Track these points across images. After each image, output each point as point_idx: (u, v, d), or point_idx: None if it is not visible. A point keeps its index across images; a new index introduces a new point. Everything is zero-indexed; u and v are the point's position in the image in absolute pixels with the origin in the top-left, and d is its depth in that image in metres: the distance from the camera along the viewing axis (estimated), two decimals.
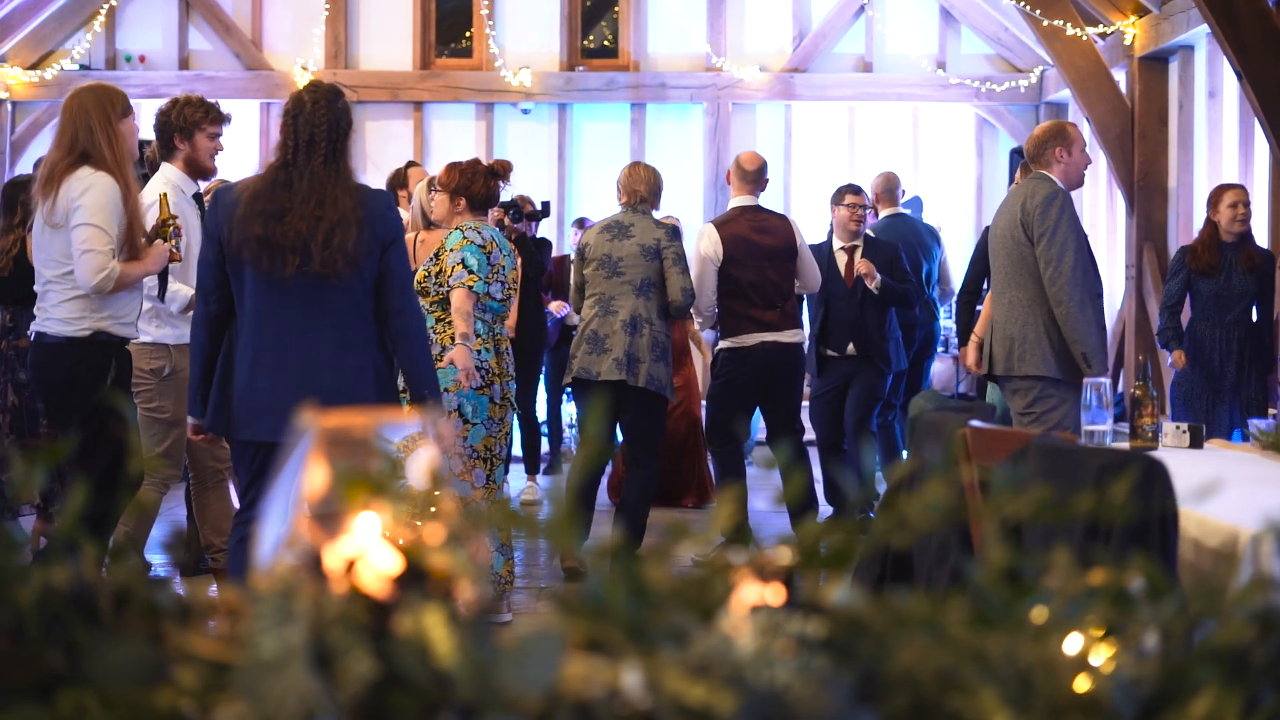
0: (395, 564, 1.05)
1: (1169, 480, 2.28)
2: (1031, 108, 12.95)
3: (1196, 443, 4.18)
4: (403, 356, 4.39)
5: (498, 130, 13.20)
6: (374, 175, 13.00)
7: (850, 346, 7.94)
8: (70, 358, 5.12)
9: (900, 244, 8.48)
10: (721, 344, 7.35)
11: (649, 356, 6.73)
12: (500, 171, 5.91)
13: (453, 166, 5.90)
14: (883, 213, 9.33)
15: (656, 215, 7.12)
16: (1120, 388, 10.31)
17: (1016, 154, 10.11)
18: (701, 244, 7.28)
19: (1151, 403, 4.05)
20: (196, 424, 4.57)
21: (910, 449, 3.79)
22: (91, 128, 5.03)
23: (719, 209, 12.82)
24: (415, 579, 1.06)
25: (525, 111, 13.17)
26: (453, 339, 5.68)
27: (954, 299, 8.47)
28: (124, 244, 5.05)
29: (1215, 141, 9.83)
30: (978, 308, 7.48)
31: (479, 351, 5.66)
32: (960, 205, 12.94)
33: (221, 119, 5.82)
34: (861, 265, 7.87)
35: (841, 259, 8.05)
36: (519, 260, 7.53)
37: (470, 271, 5.68)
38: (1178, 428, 4.11)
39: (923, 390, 8.84)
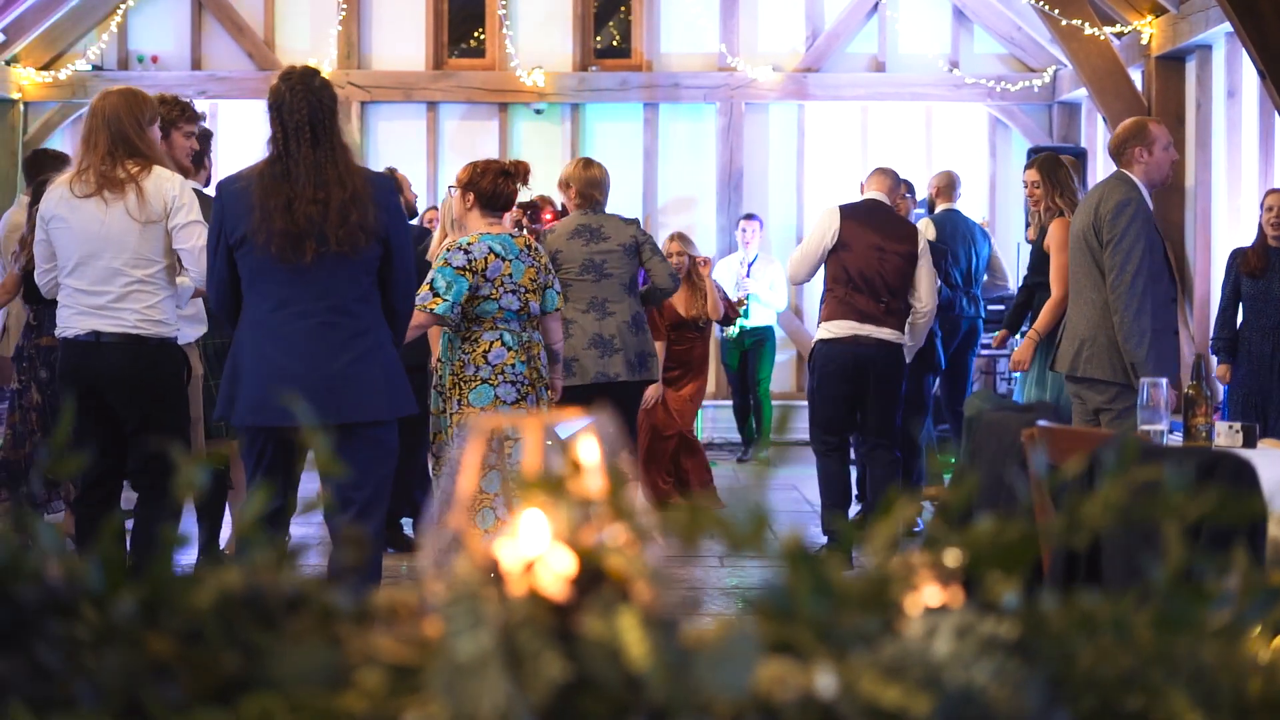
0: (572, 565, 1.04)
1: (1256, 480, 2.27)
2: (1044, 107, 12.95)
3: (1250, 442, 4.17)
4: (396, 337, 4.58)
5: (511, 131, 13.19)
6: None
7: None
8: (172, 359, 5.15)
9: (954, 240, 8.75)
10: (817, 334, 7.30)
11: (650, 349, 6.95)
12: (514, 172, 5.78)
13: (469, 164, 5.88)
14: (940, 207, 9.48)
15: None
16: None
17: (1033, 153, 10.10)
18: (821, 219, 7.33)
19: (1205, 402, 4.04)
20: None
21: (967, 448, 3.80)
22: (125, 132, 4.99)
23: (732, 208, 12.82)
24: (593, 580, 1.05)
25: (538, 112, 13.16)
26: (486, 357, 5.58)
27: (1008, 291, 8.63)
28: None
29: (1234, 141, 9.82)
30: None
31: (512, 364, 5.61)
32: (973, 205, 12.92)
33: (197, 117, 5.85)
34: None
35: None
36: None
37: (436, 294, 5.50)
38: (1230, 427, 4.10)
39: (975, 389, 8.92)
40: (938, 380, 8.86)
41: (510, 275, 5.63)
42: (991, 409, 3.46)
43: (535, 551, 1.05)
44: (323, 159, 4.33)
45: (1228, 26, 9.22)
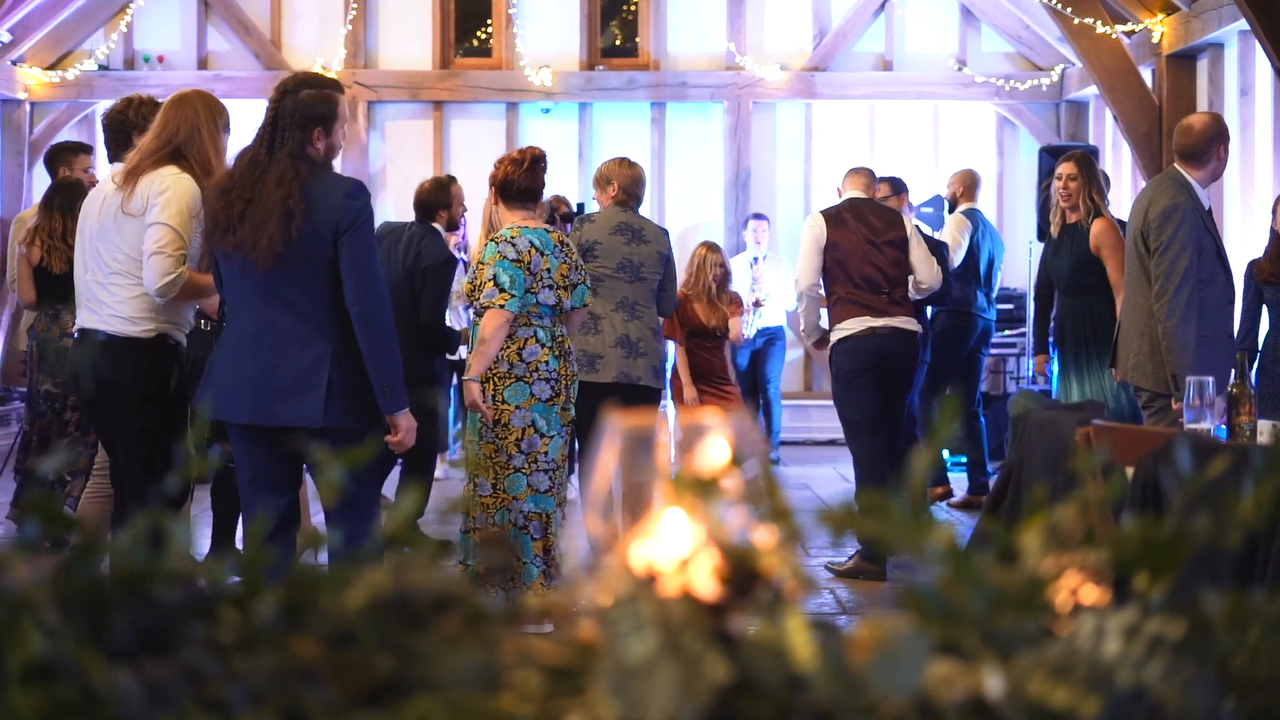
0: (724, 566, 1.03)
1: None
2: (1052, 106, 12.94)
3: None
4: (363, 346, 4.40)
5: (518, 130, 13.17)
6: (394, 176, 13.00)
7: None
8: (134, 361, 4.96)
9: (983, 237, 8.89)
10: (832, 336, 7.31)
11: (665, 359, 7.01)
12: (520, 159, 5.71)
13: (498, 159, 5.87)
14: (963, 206, 9.53)
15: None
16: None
17: (1046, 153, 10.10)
18: (806, 229, 7.35)
19: (1249, 401, 4.03)
20: None
21: (1016, 447, 3.79)
22: (198, 128, 4.93)
23: (739, 207, 12.81)
24: (745, 581, 1.04)
25: (545, 111, 13.14)
26: (520, 354, 5.55)
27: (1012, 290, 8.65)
28: (201, 254, 4.93)
29: (1247, 140, 9.81)
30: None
31: (546, 361, 5.59)
32: (981, 204, 12.90)
33: None
34: None
35: None
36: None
37: (501, 289, 5.48)
38: (1275, 426, 4.08)
39: (984, 387, 8.97)
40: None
41: (548, 270, 5.60)
42: (1040, 408, 3.45)
43: (686, 552, 1.04)
44: (268, 165, 4.38)
45: (1240, 25, 9.22)
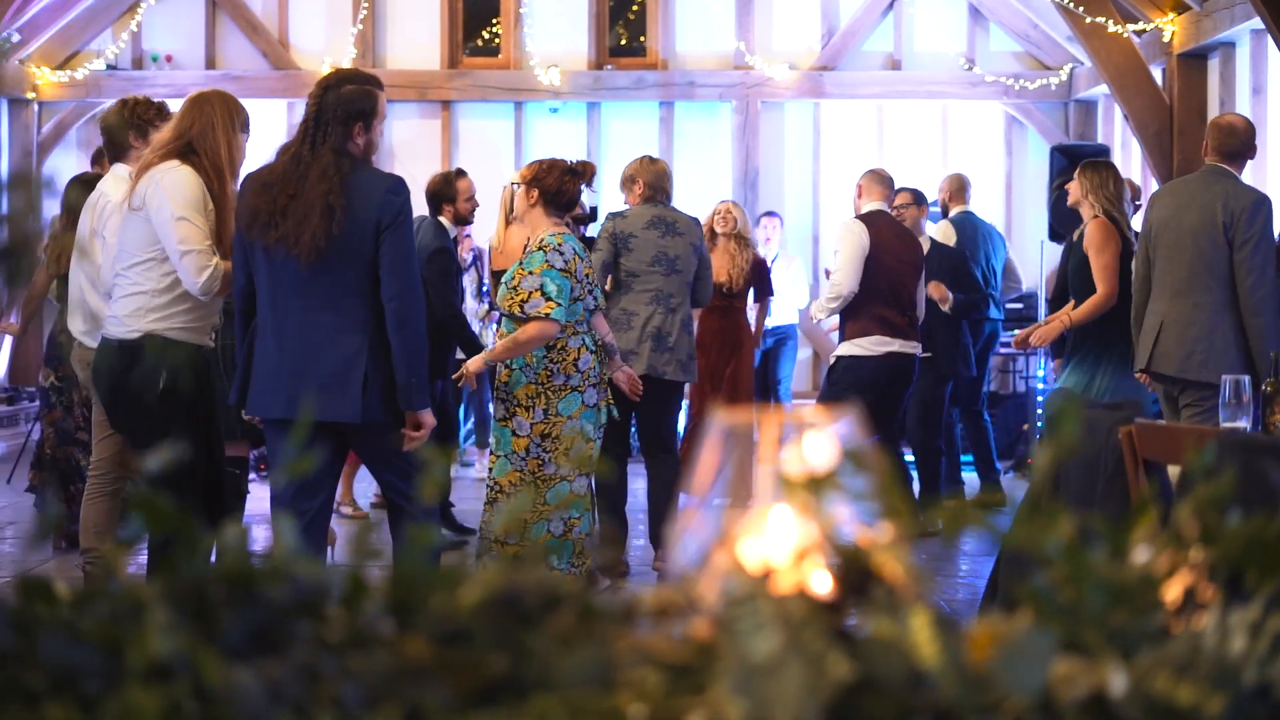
0: (839, 563, 1.03)
1: None
2: (1061, 105, 12.94)
3: None
4: (394, 341, 4.43)
5: (526, 129, 13.17)
6: (402, 175, 12.98)
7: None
8: (118, 364, 4.87)
9: (975, 241, 8.76)
10: (843, 349, 7.31)
11: (694, 351, 7.00)
12: (580, 171, 5.79)
13: (534, 162, 5.85)
14: (953, 210, 9.47)
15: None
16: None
17: (1057, 152, 10.09)
18: (851, 235, 7.34)
19: None
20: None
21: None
22: (213, 125, 4.90)
23: (748, 206, 12.80)
24: (859, 579, 1.03)
25: (554, 110, 13.14)
26: (576, 364, 5.54)
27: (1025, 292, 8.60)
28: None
29: (1260, 139, 9.79)
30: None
31: (594, 368, 5.59)
32: (989, 204, 12.91)
33: (170, 117, 5.76)
34: (934, 290, 8.03)
35: None
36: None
37: (548, 299, 5.44)
38: None
39: (991, 388, 8.95)
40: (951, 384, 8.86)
41: (588, 276, 5.65)
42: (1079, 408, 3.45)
43: (799, 550, 1.03)
44: (311, 161, 4.38)
45: (1252, 24, 9.22)
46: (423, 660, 1.00)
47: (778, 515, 1.07)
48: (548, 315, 5.42)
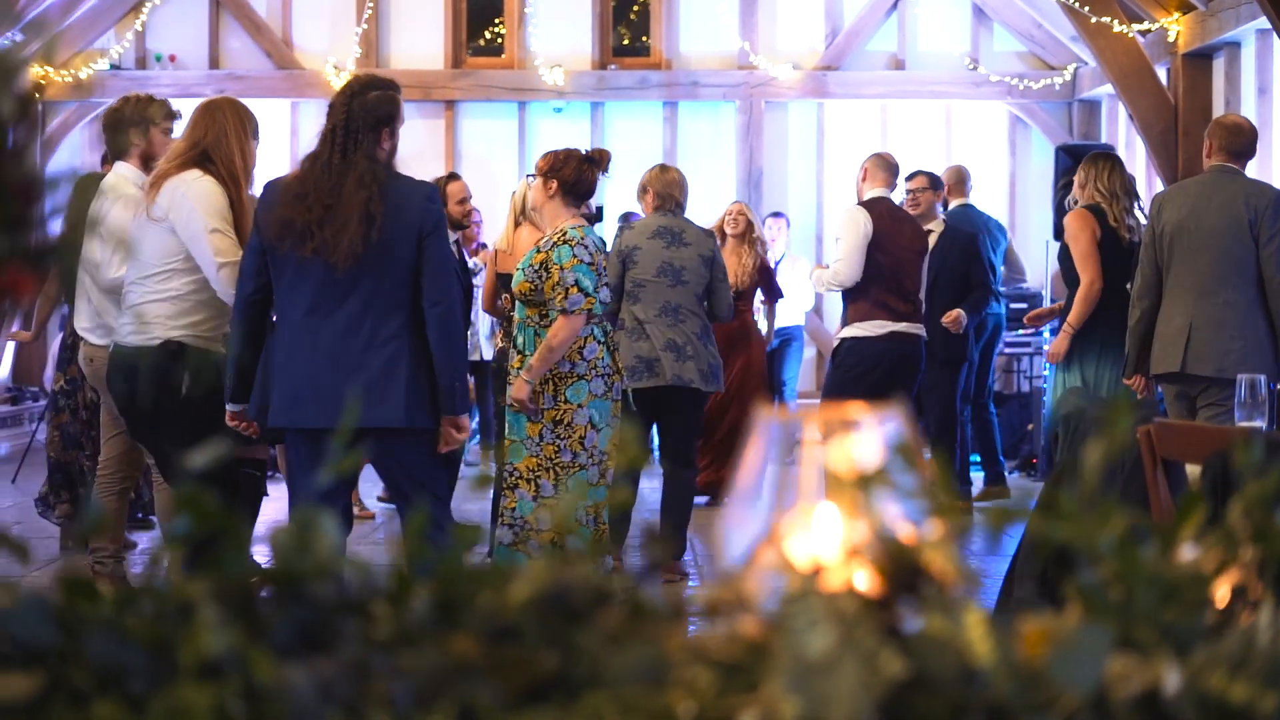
0: (886, 560, 1.02)
1: None
2: (1064, 105, 12.94)
3: None
4: (437, 346, 4.46)
5: (530, 129, 13.17)
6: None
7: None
8: (139, 369, 4.86)
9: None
10: (846, 331, 7.30)
11: (719, 361, 6.89)
12: (597, 160, 5.78)
13: (549, 152, 5.85)
14: (953, 203, 9.51)
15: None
16: None
17: (1062, 152, 10.09)
18: (854, 222, 7.31)
19: None
20: (234, 411, 4.64)
21: (1067, 446, 3.78)
22: (226, 133, 4.92)
23: (752, 206, 12.77)
24: (906, 576, 1.03)
25: (558, 110, 13.14)
26: (581, 353, 5.56)
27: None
28: None
29: (1266, 139, 9.79)
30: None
31: (602, 358, 5.62)
32: (993, 203, 12.90)
33: (173, 115, 5.77)
34: (949, 319, 8.06)
35: None
36: None
37: (585, 294, 5.51)
38: None
39: (996, 386, 8.95)
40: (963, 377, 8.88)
41: (606, 269, 5.71)
42: (1094, 407, 3.44)
43: (848, 547, 1.03)
44: (346, 168, 4.38)
45: (1258, 24, 9.22)
46: (472, 658, 1.00)
47: (824, 513, 1.07)
48: (588, 310, 5.51)
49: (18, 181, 0.99)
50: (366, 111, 4.42)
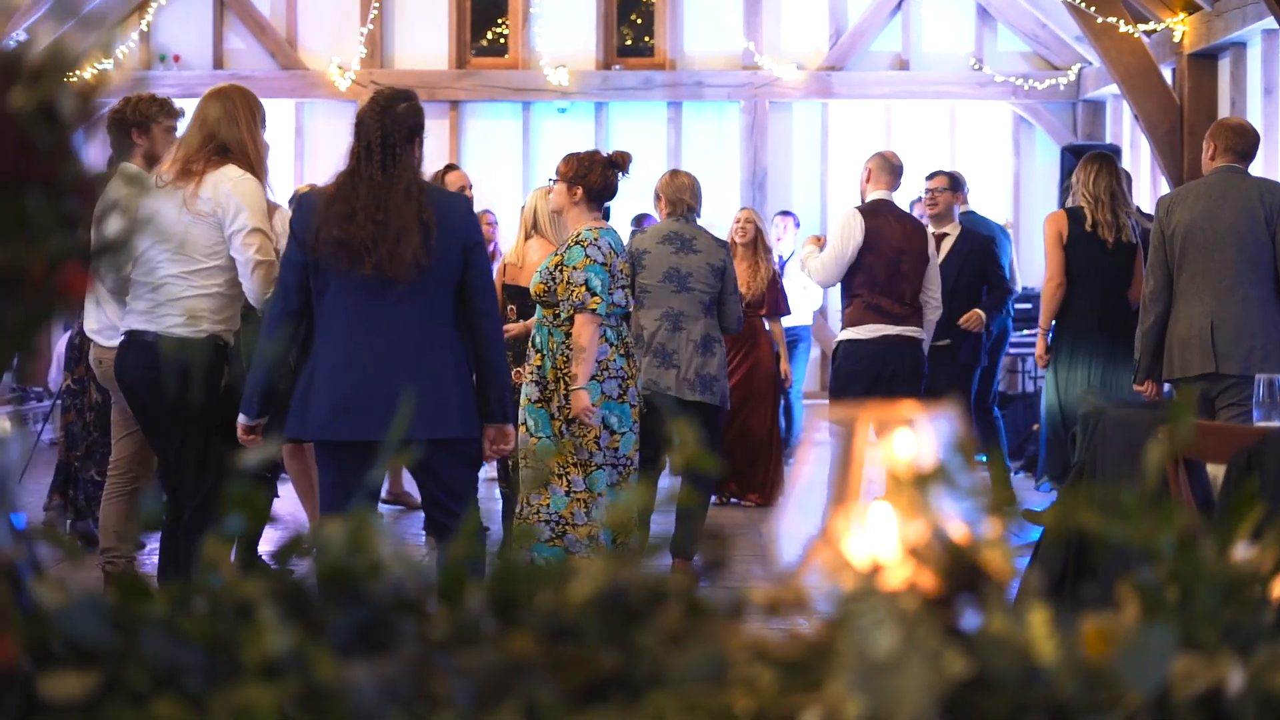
0: (945, 560, 1.02)
1: None
2: (1069, 105, 12.94)
3: None
4: (487, 356, 4.51)
5: (534, 130, 13.17)
6: None
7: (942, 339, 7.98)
8: (179, 359, 4.74)
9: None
10: (842, 335, 7.29)
11: (722, 374, 6.80)
12: (619, 162, 5.79)
13: (571, 156, 5.84)
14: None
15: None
16: None
17: (1068, 152, 10.09)
18: (846, 228, 7.27)
19: None
20: (250, 424, 4.58)
21: (1087, 446, 3.78)
22: (238, 122, 4.92)
23: (757, 207, 12.78)
24: (964, 575, 1.03)
25: (562, 111, 13.14)
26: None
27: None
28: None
29: (1271, 139, 9.81)
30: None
31: (614, 360, 5.62)
32: (997, 203, 12.91)
33: (175, 114, 5.75)
34: (972, 323, 8.03)
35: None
36: None
37: (593, 293, 5.53)
38: None
39: (1001, 388, 8.94)
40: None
41: (624, 271, 5.69)
42: (1113, 406, 3.44)
43: (907, 547, 1.03)
44: (389, 182, 4.38)
45: (1264, 24, 9.21)
46: (532, 657, 1.00)
47: (881, 512, 1.07)
48: (594, 310, 5.51)
49: (77, 179, 0.99)
50: (400, 124, 4.42)
